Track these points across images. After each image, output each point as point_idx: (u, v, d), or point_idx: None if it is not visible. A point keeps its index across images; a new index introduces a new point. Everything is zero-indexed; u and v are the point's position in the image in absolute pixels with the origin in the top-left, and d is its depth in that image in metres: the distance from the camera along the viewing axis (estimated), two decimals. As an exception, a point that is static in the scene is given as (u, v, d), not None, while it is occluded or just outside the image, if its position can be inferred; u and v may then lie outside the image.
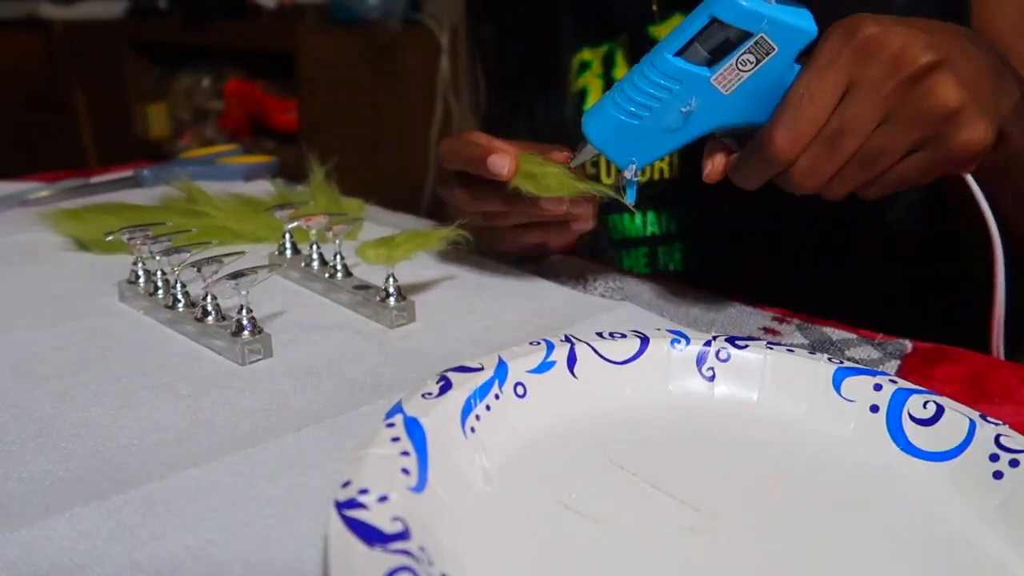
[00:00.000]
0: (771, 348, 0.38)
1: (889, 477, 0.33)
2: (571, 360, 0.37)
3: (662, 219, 0.68)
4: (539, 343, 0.37)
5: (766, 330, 0.47)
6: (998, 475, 0.31)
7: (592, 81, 0.68)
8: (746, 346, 0.38)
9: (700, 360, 0.38)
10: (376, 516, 0.25)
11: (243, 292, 0.43)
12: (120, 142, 2.50)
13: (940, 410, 0.34)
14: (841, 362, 0.37)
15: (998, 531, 0.30)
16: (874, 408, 0.35)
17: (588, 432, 0.35)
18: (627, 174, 0.45)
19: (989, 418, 0.33)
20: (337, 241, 0.51)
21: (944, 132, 0.39)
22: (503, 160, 0.45)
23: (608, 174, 0.68)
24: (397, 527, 0.25)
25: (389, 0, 1.84)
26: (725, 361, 0.38)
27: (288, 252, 0.56)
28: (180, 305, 0.46)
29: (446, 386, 0.33)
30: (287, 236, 0.56)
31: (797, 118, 0.39)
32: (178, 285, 0.47)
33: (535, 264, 0.58)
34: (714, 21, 0.40)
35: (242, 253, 0.46)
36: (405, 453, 0.29)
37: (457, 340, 0.46)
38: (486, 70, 0.76)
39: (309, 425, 0.36)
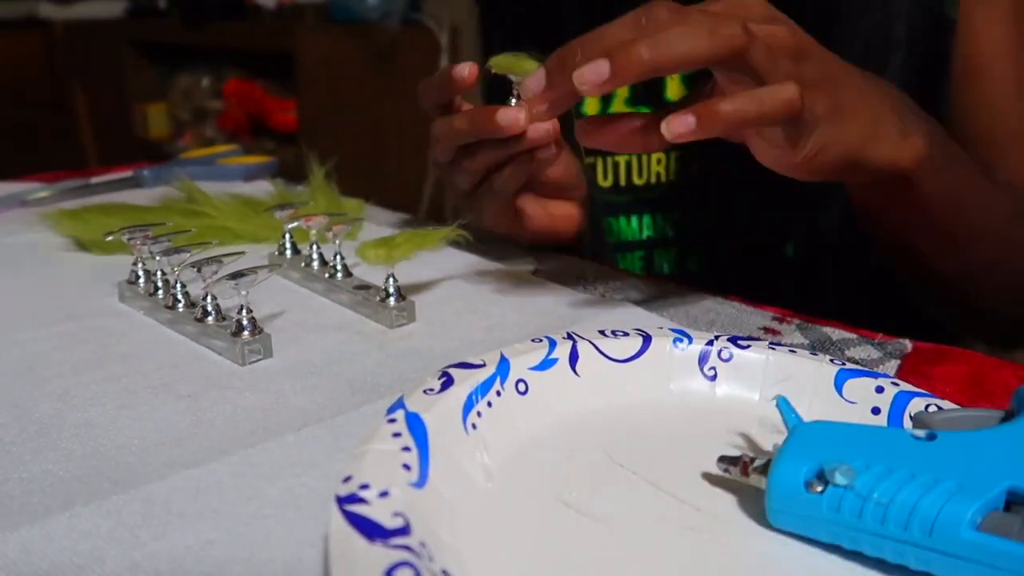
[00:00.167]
0: (773, 348, 0.38)
1: (890, 476, 0.33)
2: (573, 357, 0.37)
3: (657, 223, 0.68)
4: (541, 340, 0.37)
5: (766, 330, 0.47)
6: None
7: None
8: (748, 346, 0.38)
9: (702, 359, 0.38)
10: (377, 511, 0.25)
11: (243, 292, 0.42)
12: (120, 142, 2.50)
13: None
14: (843, 363, 0.37)
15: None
16: (875, 410, 0.35)
17: (589, 430, 0.35)
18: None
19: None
20: (337, 241, 0.51)
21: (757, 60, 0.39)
22: (463, 66, 0.48)
23: (605, 176, 0.68)
24: (398, 522, 0.25)
25: (389, 0, 1.84)
26: (727, 361, 0.38)
27: (288, 252, 0.56)
28: (180, 305, 0.46)
29: (448, 382, 0.33)
30: (287, 236, 0.56)
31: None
32: (178, 285, 0.47)
33: (518, 236, 0.57)
34: None
35: (242, 253, 0.46)
36: (406, 449, 0.29)
37: (457, 340, 0.46)
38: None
39: (309, 425, 0.36)
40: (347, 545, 0.24)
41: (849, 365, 0.37)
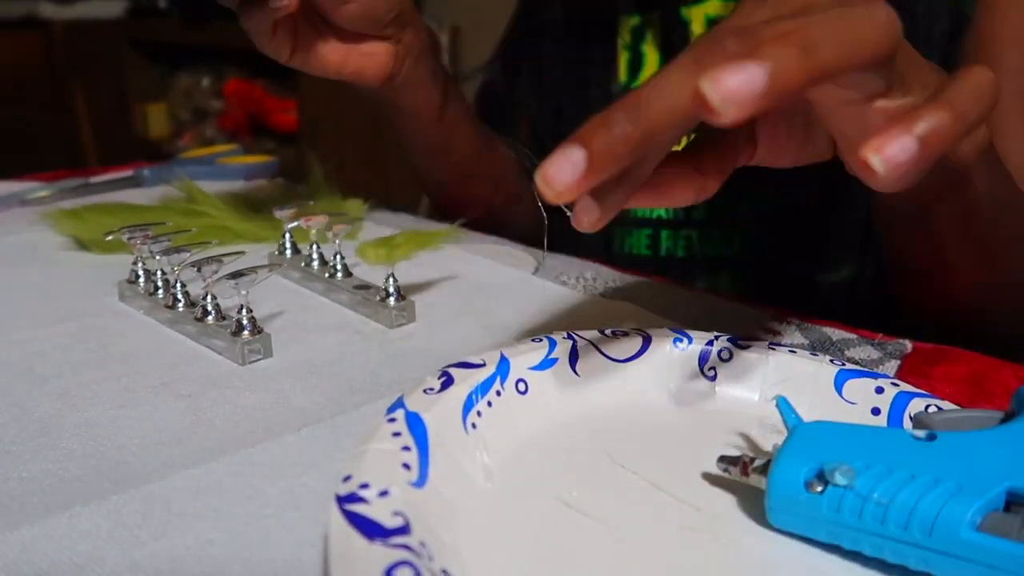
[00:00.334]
0: (773, 349, 0.38)
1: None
2: (573, 357, 0.37)
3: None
4: (541, 340, 0.37)
5: (766, 330, 0.47)
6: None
7: (621, 53, 0.69)
8: (748, 346, 0.38)
9: (702, 359, 0.38)
10: (377, 510, 0.25)
11: (243, 292, 0.43)
12: (120, 142, 2.50)
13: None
14: (843, 364, 0.37)
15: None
16: (875, 411, 0.35)
17: (589, 430, 0.35)
18: None
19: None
20: (337, 241, 0.51)
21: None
22: None
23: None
24: (398, 522, 0.25)
25: (389, 0, 1.84)
26: (727, 361, 0.38)
27: (288, 252, 0.56)
28: (180, 305, 0.46)
29: (448, 382, 0.33)
30: (287, 236, 0.56)
31: None
32: (178, 285, 0.47)
33: (311, 69, 0.54)
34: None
35: (242, 253, 0.46)
36: (406, 448, 0.29)
37: (457, 340, 0.46)
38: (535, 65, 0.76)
39: (309, 425, 0.36)
40: (347, 544, 0.24)
41: (849, 365, 0.37)
